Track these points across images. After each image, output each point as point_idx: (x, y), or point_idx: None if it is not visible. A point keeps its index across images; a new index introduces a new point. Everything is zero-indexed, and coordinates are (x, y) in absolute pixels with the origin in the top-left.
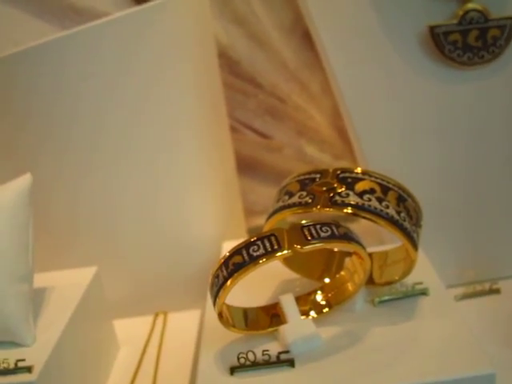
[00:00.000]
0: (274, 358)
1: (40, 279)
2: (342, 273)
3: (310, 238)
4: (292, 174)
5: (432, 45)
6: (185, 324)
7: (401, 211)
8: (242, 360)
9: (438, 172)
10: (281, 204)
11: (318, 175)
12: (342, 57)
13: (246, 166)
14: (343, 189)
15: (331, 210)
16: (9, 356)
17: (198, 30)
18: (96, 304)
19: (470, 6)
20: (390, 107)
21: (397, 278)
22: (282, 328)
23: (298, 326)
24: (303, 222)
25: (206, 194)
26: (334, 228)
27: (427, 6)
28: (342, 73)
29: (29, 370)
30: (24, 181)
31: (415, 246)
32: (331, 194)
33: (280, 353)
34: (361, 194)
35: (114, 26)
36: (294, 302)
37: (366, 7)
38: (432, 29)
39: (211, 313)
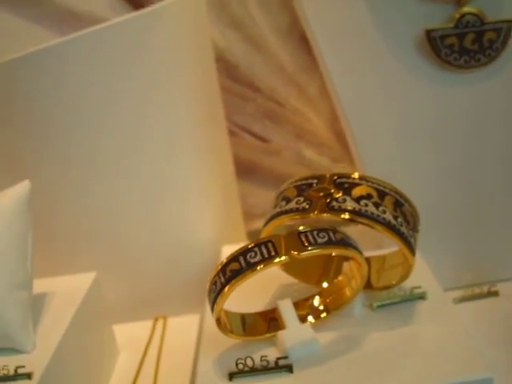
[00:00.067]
0: (272, 364)
1: (39, 285)
2: (340, 278)
3: (306, 244)
4: (290, 177)
5: (429, 48)
6: (184, 328)
7: (398, 216)
8: (241, 366)
9: (436, 175)
10: (278, 210)
11: (315, 181)
12: (338, 61)
13: (245, 170)
14: (340, 194)
15: (328, 215)
16: (8, 362)
17: (196, 35)
18: (95, 309)
19: (466, 9)
20: (387, 111)
21: (394, 282)
22: (281, 333)
23: (296, 332)
24: (300, 228)
25: (205, 199)
26: (330, 234)
27: (423, 10)
28: (339, 77)
29: (28, 376)
30: (22, 188)
31: (412, 250)
32: (328, 200)
33: (278, 358)
34: (358, 200)
35: (113, 31)
36: (292, 308)
37: (363, 11)
38: (428, 32)
39: (210, 318)
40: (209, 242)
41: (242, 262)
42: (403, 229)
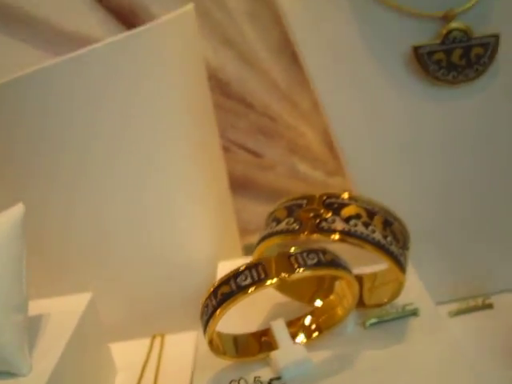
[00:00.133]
0: None
1: (35, 306)
2: (332, 297)
3: (296, 266)
4: (285, 192)
5: (417, 65)
6: (182, 346)
7: (387, 235)
8: None
9: (427, 189)
10: (269, 231)
11: (305, 201)
12: (327, 80)
13: (239, 185)
14: (330, 215)
15: (318, 236)
16: None
17: (188, 53)
18: (92, 330)
19: (453, 25)
20: (377, 128)
21: (386, 300)
22: (274, 354)
23: (289, 351)
24: (292, 249)
25: (199, 215)
26: (320, 255)
27: (410, 27)
28: (327, 96)
29: None
30: (17, 210)
31: (403, 269)
32: (318, 221)
33: (272, 379)
34: (347, 220)
35: (104, 51)
36: (285, 328)
37: (350, 28)
38: (416, 49)
39: (203, 340)
40: (205, 258)
41: (233, 285)
42: (393, 247)
